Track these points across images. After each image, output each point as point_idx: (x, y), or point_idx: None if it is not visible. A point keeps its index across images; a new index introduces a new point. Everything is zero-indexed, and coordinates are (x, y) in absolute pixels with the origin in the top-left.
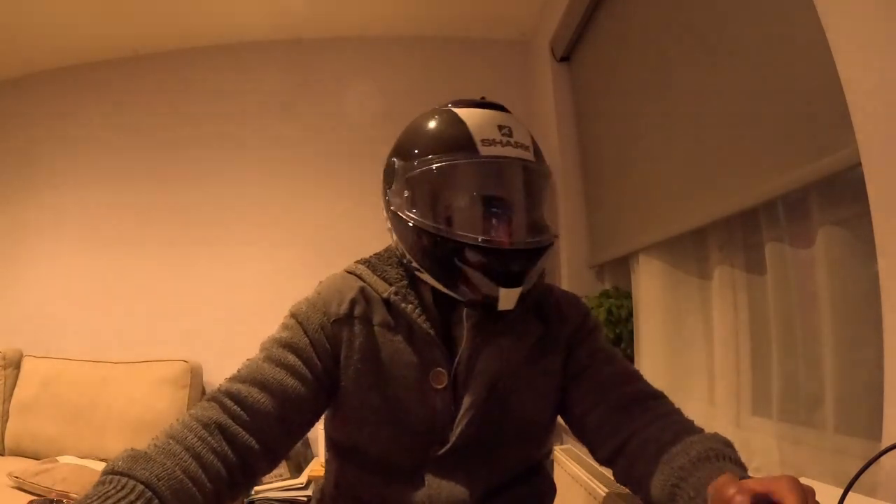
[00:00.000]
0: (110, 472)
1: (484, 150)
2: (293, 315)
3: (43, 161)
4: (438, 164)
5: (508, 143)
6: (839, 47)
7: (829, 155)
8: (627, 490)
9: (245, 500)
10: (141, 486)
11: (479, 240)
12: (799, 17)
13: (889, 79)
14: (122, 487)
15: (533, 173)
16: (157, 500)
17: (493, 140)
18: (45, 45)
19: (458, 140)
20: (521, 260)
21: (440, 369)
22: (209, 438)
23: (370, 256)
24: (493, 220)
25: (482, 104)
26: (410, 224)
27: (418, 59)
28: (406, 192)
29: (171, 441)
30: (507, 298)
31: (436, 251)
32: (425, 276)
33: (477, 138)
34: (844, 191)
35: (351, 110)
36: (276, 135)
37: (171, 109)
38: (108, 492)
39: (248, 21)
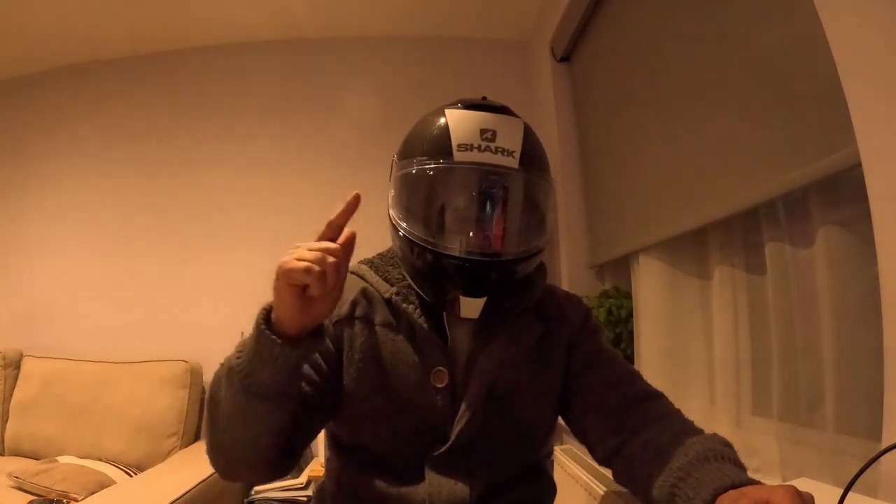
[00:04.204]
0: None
1: (458, 156)
2: None
3: (43, 161)
4: (411, 168)
5: (487, 149)
6: (839, 47)
7: (829, 155)
8: (625, 489)
9: (245, 500)
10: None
11: (438, 246)
12: (799, 17)
13: (889, 79)
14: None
15: (509, 181)
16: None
17: (471, 145)
18: (45, 45)
19: (437, 144)
20: (485, 270)
21: (441, 368)
22: None
23: (373, 256)
24: (457, 228)
25: (477, 105)
26: (392, 222)
27: (418, 59)
28: (392, 191)
29: None
30: (470, 307)
31: (410, 253)
32: (407, 276)
33: (454, 143)
34: (844, 191)
35: (351, 110)
36: (276, 135)
37: (171, 109)
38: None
39: (248, 21)
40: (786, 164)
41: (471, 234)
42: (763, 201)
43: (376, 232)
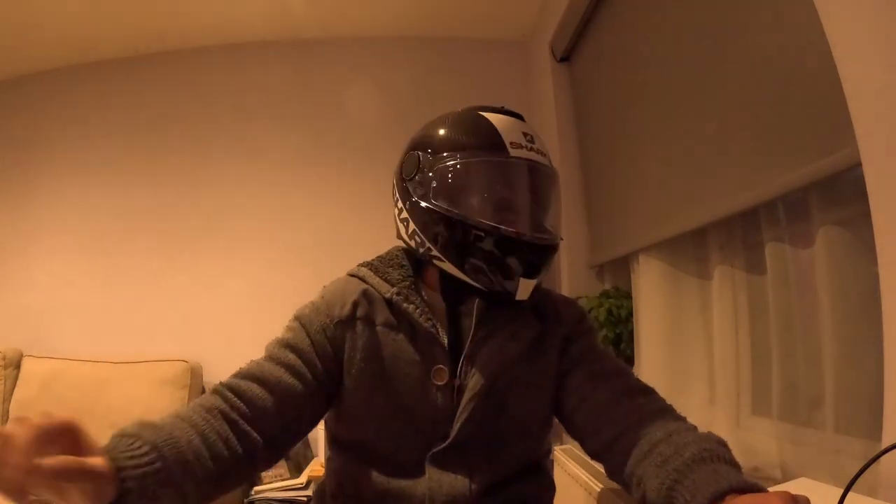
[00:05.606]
0: (119, 434)
1: (513, 152)
2: (297, 318)
3: (43, 161)
4: (473, 160)
5: (532, 149)
6: (839, 47)
7: (829, 155)
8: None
9: (245, 500)
10: (147, 447)
11: (510, 230)
12: (799, 17)
13: (889, 79)
14: (131, 444)
15: (552, 179)
16: (160, 463)
17: (520, 144)
18: (45, 45)
19: (488, 140)
20: (540, 252)
21: (441, 366)
22: (213, 421)
23: (373, 259)
24: (518, 214)
25: (508, 112)
26: (435, 212)
27: (418, 59)
28: (434, 182)
29: (177, 419)
30: (525, 288)
31: (461, 238)
32: (445, 265)
33: (506, 140)
34: (844, 191)
35: (351, 110)
36: (276, 134)
37: (171, 109)
38: (116, 445)
39: (248, 21)
40: (786, 164)
41: (532, 219)
42: (763, 201)
43: (378, 231)
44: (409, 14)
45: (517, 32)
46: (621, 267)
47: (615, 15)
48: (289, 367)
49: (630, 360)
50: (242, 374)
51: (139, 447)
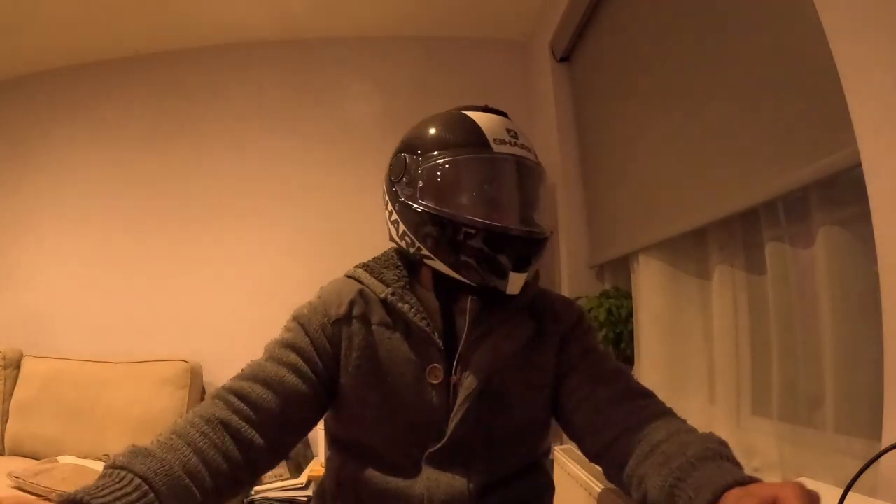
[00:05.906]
0: (111, 466)
1: (497, 148)
2: (295, 318)
3: (43, 161)
4: (458, 158)
5: (516, 144)
6: (839, 47)
7: (829, 155)
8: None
9: (245, 500)
10: (138, 480)
11: (498, 225)
12: (799, 17)
13: (889, 79)
14: (120, 480)
15: (537, 173)
16: (152, 494)
17: (504, 140)
18: (45, 45)
19: (472, 137)
20: (529, 246)
21: (436, 365)
22: (211, 434)
23: (368, 261)
24: (506, 209)
25: (490, 109)
26: (423, 212)
27: (418, 59)
28: (420, 182)
29: (173, 437)
30: (515, 283)
31: (451, 237)
32: (437, 264)
33: (489, 137)
34: (844, 191)
35: (351, 110)
36: (276, 135)
37: (171, 109)
38: (106, 484)
39: (248, 21)
40: (786, 164)
41: (520, 214)
42: (763, 201)
43: (377, 232)
44: (409, 14)
45: (517, 32)
46: (621, 267)
47: (615, 15)
48: (290, 367)
49: (630, 360)
50: (244, 376)
51: (130, 480)
